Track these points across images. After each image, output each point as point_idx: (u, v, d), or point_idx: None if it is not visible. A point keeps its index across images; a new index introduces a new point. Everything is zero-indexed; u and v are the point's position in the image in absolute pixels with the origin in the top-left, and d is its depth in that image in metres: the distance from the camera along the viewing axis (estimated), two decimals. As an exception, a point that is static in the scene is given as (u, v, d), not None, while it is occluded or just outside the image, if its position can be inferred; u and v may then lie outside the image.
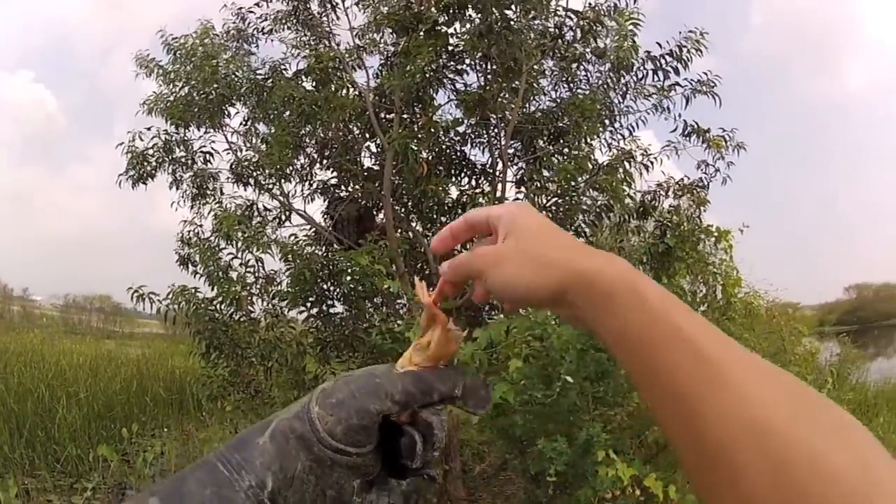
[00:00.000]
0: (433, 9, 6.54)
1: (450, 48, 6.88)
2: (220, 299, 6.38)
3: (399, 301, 7.28)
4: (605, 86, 7.00)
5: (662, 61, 6.65)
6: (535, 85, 7.31)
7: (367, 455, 0.72)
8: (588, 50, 6.73)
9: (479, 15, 6.42)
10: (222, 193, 7.66)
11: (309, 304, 6.63)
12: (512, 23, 6.37)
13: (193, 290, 6.52)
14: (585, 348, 4.73)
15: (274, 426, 0.71)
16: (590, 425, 4.58)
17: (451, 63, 7.01)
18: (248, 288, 6.46)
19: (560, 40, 6.72)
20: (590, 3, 6.65)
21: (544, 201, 6.80)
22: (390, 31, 7.28)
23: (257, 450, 0.69)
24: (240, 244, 6.44)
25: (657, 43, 6.67)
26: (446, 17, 6.68)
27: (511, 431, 5.01)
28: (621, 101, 7.11)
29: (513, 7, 6.27)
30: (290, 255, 6.44)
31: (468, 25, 6.61)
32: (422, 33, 6.45)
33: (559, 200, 6.62)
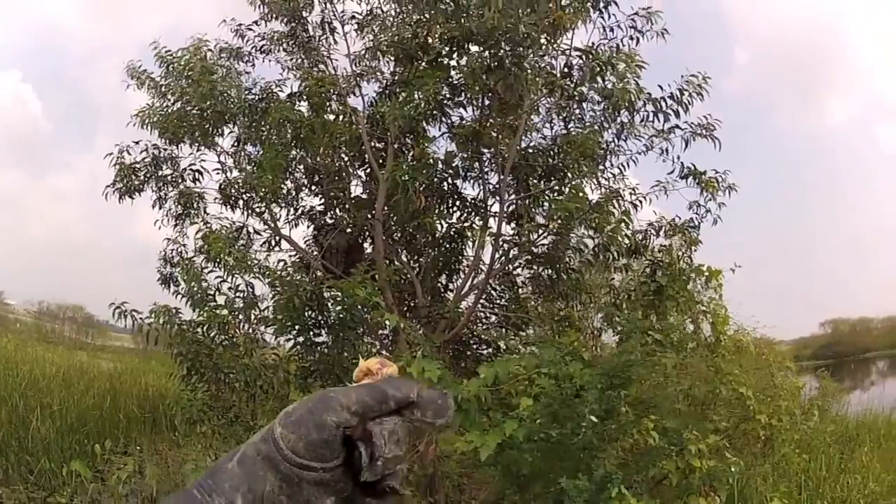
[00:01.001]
0: (437, 40, 6.52)
1: (450, 81, 6.86)
2: (205, 324, 6.24)
3: (382, 332, 7.23)
4: (601, 125, 7.00)
5: (663, 103, 6.65)
6: (529, 122, 7.30)
7: (334, 470, 0.74)
8: (594, 89, 6.71)
9: (486, 50, 6.41)
10: (207, 213, 7.54)
11: (295, 332, 6.53)
12: (523, 59, 6.34)
13: (175, 311, 6.39)
14: (604, 387, 4.76)
15: (242, 451, 0.74)
16: (605, 463, 4.61)
17: (451, 96, 6.98)
18: (234, 312, 6.33)
19: (568, 78, 6.71)
20: (593, 44, 6.65)
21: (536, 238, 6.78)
22: (390, 59, 7.26)
23: (226, 474, 0.72)
24: (229, 267, 6.32)
25: (658, 86, 6.70)
26: (448, 50, 6.66)
27: (514, 468, 4.99)
28: (615, 140, 7.11)
29: (523, 45, 6.24)
30: (277, 282, 6.34)
31: (473, 59, 6.59)
32: (423, 64, 6.43)
33: (555, 238, 6.57)
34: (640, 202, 7.04)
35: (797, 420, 7.51)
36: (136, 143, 7.40)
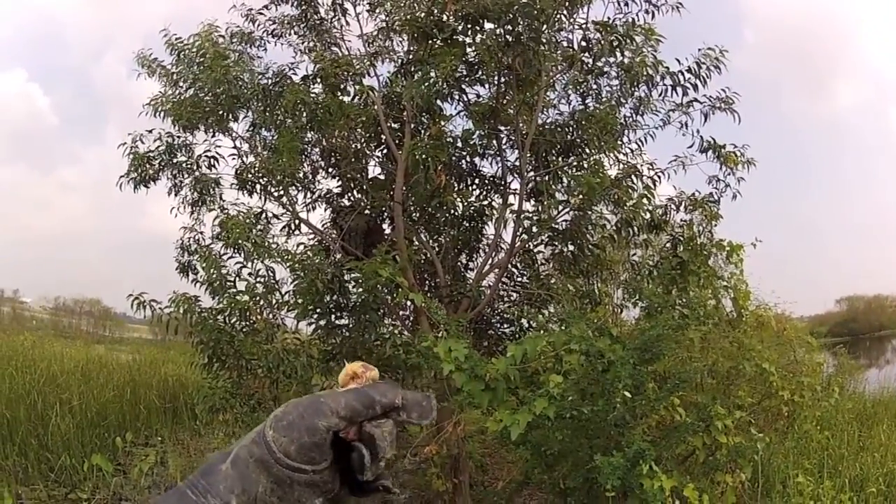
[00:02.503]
0: (452, 17, 6.45)
1: (466, 58, 6.78)
2: (226, 310, 6.21)
3: (403, 312, 7.20)
4: (619, 100, 6.93)
5: (681, 77, 6.57)
6: (546, 98, 7.22)
7: (324, 472, 0.79)
8: (614, 63, 6.63)
9: (503, 26, 6.33)
10: (223, 200, 7.49)
11: (316, 316, 6.50)
12: (540, 34, 6.27)
13: (195, 299, 6.36)
14: (635, 362, 4.72)
15: (235, 453, 0.79)
16: (638, 440, 4.57)
17: (467, 74, 6.91)
18: (255, 298, 6.30)
19: (587, 52, 6.64)
20: (609, 18, 6.57)
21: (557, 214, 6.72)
22: (404, 38, 7.20)
23: (220, 475, 0.76)
24: (248, 252, 6.29)
25: (676, 59, 6.64)
26: (463, 27, 6.59)
27: (543, 447, 4.96)
28: (633, 115, 7.06)
29: (539, 19, 6.16)
30: (297, 266, 6.30)
31: (490, 36, 6.50)
32: (439, 42, 6.36)
33: (577, 214, 6.51)
34: (659, 177, 6.96)
35: (818, 397, 7.44)
36: (150, 131, 7.34)
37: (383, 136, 7.02)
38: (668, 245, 7.25)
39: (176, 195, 7.48)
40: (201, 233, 7.45)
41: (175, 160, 7.39)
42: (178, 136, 7.39)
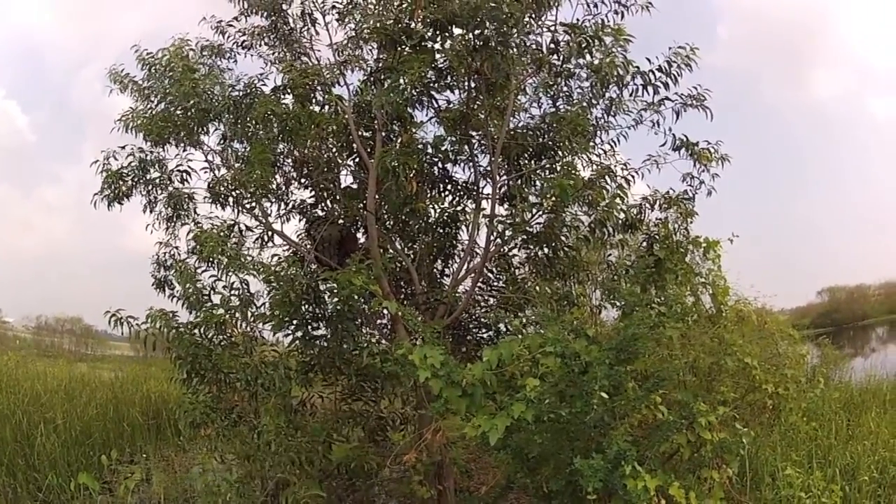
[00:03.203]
0: (420, 24, 6.45)
1: (435, 65, 6.81)
2: (202, 324, 6.18)
3: (380, 321, 7.19)
4: (590, 101, 6.94)
5: (652, 76, 6.60)
6: (516, 102, 7.24)
7: None
8: (584, 65, 6.64)
9: (471, 31, 6.36)
10: (197, 214, 7.43)
11: (293, 327, 6.48)
12: (508, 38, 6.29)
13: (171, 314, 6.32)
14: (612, 363, 4.72)
15: None
16: (618, 440, 4.57)
17: (437, 80, 6.93)
18: (231, 311, 6.26)
19: (556, 55, 6.66)
20: (578, 20, 6.61)
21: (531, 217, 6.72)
22: (374, 46, 7.20)
23: None
24: (222, 266, 6.26)
25: (647, 59, 6.64)
26: (432, 33, 6.60)
27: (524, 451, 4.94)
28: (605, 116, 7.06)
29: (507, 23, 6.18)
30: (272, 278, 6.27)
31: (458, 41, 6.51)
32: (407, 49, 6.36)
33: (550, 216, 6.52)
34: (633, 177, 6.98)
35: (803, 388, 7.47)
36: (122, 147, 7.27)
37: (355, 145, 7.00)
38: (644, 244, 7.27)
39: (151, 211, 7.43)
40: (177, 248, 7.39)
41: (148, 176, 7.32)
42: (150, 152, 7.34)
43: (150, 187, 7.34)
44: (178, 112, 7.10)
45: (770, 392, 6.66)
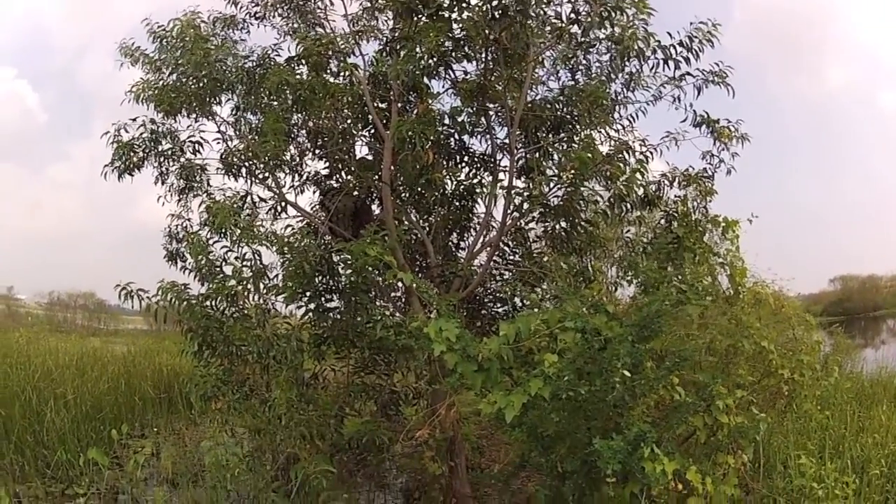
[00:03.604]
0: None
1: (452, 35, 6.65)
2: (213, 296, 6.11)
3: (394, 293, 7.11)
4: (609, 75, 6.81)
5: (673, 50, 6.46)
6: (534, 74, 7.09)
7: None
8: (604, 36, 6.50)
9: (488, 1, 6.22)
10: (210, 185, 7.42)
11: (306, 299, 6.41)
12: (527, 7, 6.16)
13: (183, 287, 6.26)
14: (634, 340, 4.62)
15: None
16: (637, 421, 4.48)
17: (454, 49, 6.77)
18: (243, 283, 6.19)
19: (576, 24, 6.51)
20: None
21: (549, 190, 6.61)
22: (389, 16, 7.09)
23: None
24: (235, 237, 6.18)
25: (668, 33, 6.51)
26: (449, 2, 6.47)
27: (540, 429, 4.86)
28: (624, 90, 6.95)
29: None
30: (285, 249, 6.19)
31: (475, 10, 6.38)
32: (424, 18, 6.23)
33: (570, 189, 6.40)
34: (651, 153, 6.85)
35: (818, 376, 7.36)
36: (133, 119, 7.24)
37: (370, 116, 6.89)
38: (662, 221, 7.17)
39: (163, 183, 7.41)
40: (189, 219, 7.40)
41: (160, 147, 7.29)
42: (162, 123, 7.30)
43: (161, 158, 7.33)
44: (191, 82, 7.03)
45: (786, 377, 6.56)
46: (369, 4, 7.30)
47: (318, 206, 7.52)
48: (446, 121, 7.07)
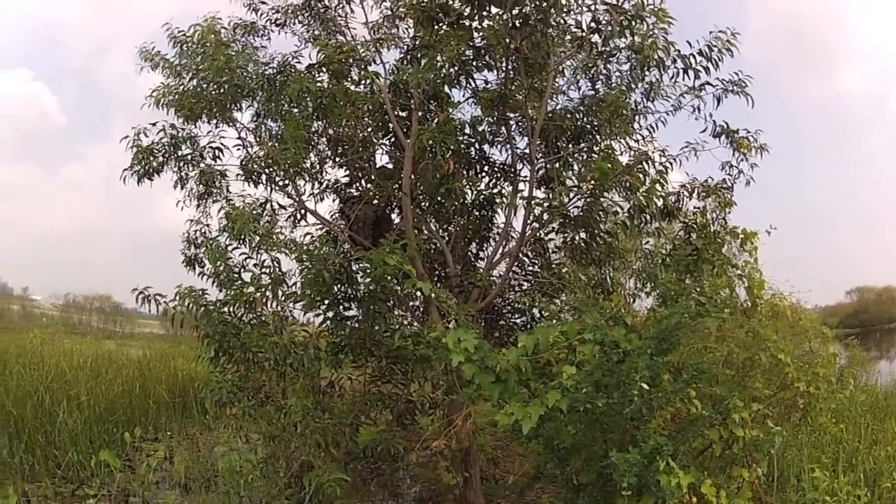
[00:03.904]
0: (458, 1, 6.33)
1: (473, 43, 6.68)
2: (232, 302, 6.13)
3: (412, 303, 7.11)
4: (629, 85, 6.80)
5: (692, 60, 6.44)
6: (555, 84, 7.08)
7: None
8: (624, 45, 6.49)
9: (510, 10, 6.21)
10: (229, 191, 7.44)
11: (324, 307, 6.42)
12: (548, 16, 6.17)
13: (201, 292, 6.28)
14: (652, 353, 4.60)
15: None
16: (654, 434, 4.45)
17: (475, 58, 6.80)
18: (261, 290, 6.21)
19: (597, 34, 6.51)
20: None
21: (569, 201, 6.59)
22: (410, 24, 7.10)
23: None
24: (254, 244, 6.20)
25: (687, 42, 6.49)
26: (470, 11, 6.48)
27: (556, 441, 4.83)
28: (644, 100, 6.95)
29: (547, 1, 6.07)
30: (304, 256, 6.20)
31: (496, 19, 6.39)
32: (445, 26, 6.24)
33: (590, 200, 6.38)
34: (671, 164, 6.80)
35: (834, 389, 7.30)
36: (153, 124, 7.25)
37: (391, 125, 6.90)
38: (681, 233, 7.14)
39: (182, 188, 7.43)
40: (207, 225, 7.41)
41: (179, 152, 7.31)
42: (182, 129, 7.32)
43: (181, 164, 7.34)
44: (211, 88, 7.03)
45: (801, 390, 6.51)
46: (390, 13, 7.32)
47: (337, 214, 7.52)
48: (467, 130, 7.07)
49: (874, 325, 40.36)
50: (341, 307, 6.59)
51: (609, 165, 6.12)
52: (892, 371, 15.83)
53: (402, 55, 7.26)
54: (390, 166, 7.41)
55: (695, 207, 7.09)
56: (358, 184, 7.58)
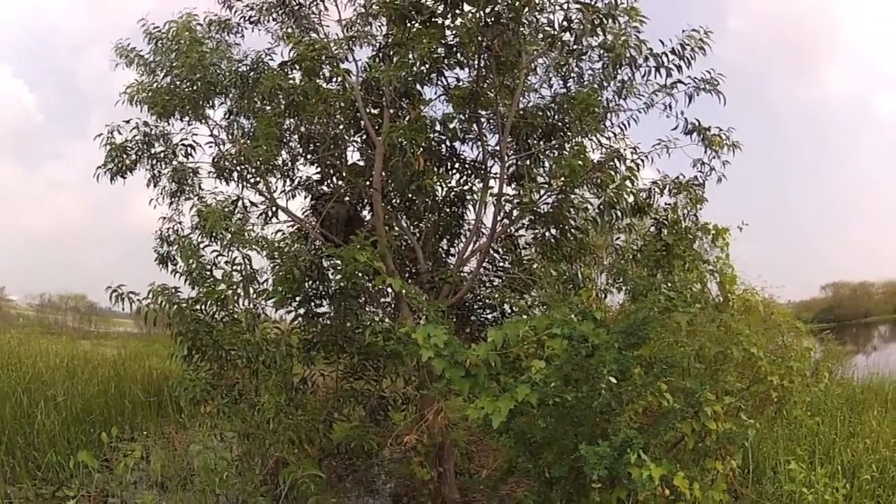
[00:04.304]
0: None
1: (445, 41, 6.71)
2: (203, 299, 6.12)
3: (384, 299, 7.13)
4: (601, 83, 6.84)
5: (665, 59, 6.50)
6: (526, 82, 7.12)
7: None
8: (596, 44, 6.54)
9: (482, 8, 6.25)
10: (202, 189, 7.43)
11: (295, 304, 6.42)
12: (520, 14, 6.21)
13: (174, 290, 6.26)
14: (620, 347, 4.63)
15: None
16: (624, 427, 4.48)
17: (446, 56, 6.84)
18: (233, 287, 6.20)
19: (569, 32, 6.54)
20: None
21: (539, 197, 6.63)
22: (383, 22, 7.12)
23: None
24: (225, 241, 6.19)
25: (660, 41, 6.53)
26: (443, 9, 6.51)
27: (527, 435, 4.86)
28: (616, 98, 6.97)
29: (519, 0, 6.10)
30: (276, 253, 6.20)
31: (469, 17, 6.40)
32: (417, 24, 6.25)
33: (561, 196, 6.42)
34: (643, 161, 6.86)
35: (808, 382, 7.38)
36: (127, 122, 7.26)
37: (362, 122, 6.92)
38: (652, 229, 7.19)
39: (155, 186, 7.42)
40: (180, 223, 7.41)
41: (153, 150, 7.32)
42: (156, 126, 7.32)
43: (154, 161, 7.34)
44: (184, 85, 7.04)
45: (775, 384, 6.58)
46: (363, 10, 7.34)
47: (309, 212, 7.54)
48: (438, 127, 7.11)
49: (850, 320, 40.87)
50: (313, 304, 6.61)
51: (579, 162, 6.15)
52: (869, 365, 15.99)
53: (374, 53, 7.28)
54: (362, 163, 7.44)
55: (666, 204, 7.13)
56: (329, 181, 7.59)
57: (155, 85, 7.20)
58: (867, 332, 39.35)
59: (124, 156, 7.19)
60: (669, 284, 6.16)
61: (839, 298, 46.26)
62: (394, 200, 7.27)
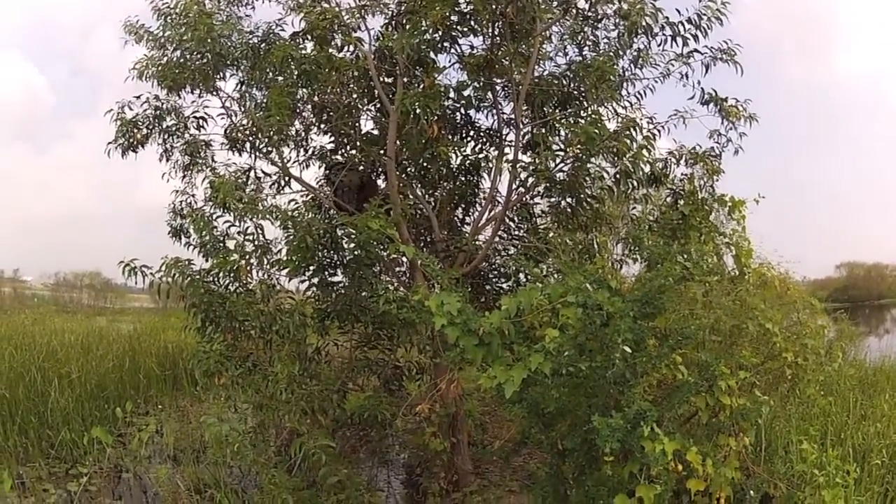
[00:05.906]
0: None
1: (458, 8, 6.62)
2: (216, 270, 6.10)
3: (399, 268, 7.11)
4: (617, 52, 6.74)
5: (681, 27, 6.40)
6: (541, 49, 7.04)
7: None
8: (612, 11, 6.45)
9: None
10: (214, 161, 7.43)
11: (309, 273, 6.40)
12: None
13: (187, 262, 6.25)
14: (636, 316, 4.57)
15: None
16: (638, 399, 4.42)
17: (460, 23, 6.75)
18: (246, 257, 6.18)
19: None
20: None
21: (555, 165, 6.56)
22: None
23: None
24: (238, 211, 6.17)
25: (676, 9, 6.44)
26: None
27: (540, 405, 4.81)
28: (632, 67, 6.89)
29: None
30: (289, 223, 6.17)
31: None
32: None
33: (577, 164, 6.35)
34: (659, 131, 6.78)
35: (822, 361, 7.29)
36: (137, 97, 7.26)
37: (375, 91, 6.85)
38: (668, 199, 7.14)
39: (167, 160, 7.41)
40: (193, 195, 7.42)
41: (164, 124, 7.30)
42: (166, 100, 7.30)
43: (165, 135, 7.33)
44: (195, 58, 6.99)
45: (789, 361, 6.51)
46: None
47: (322, 181, 7.52)
48: (452, 95, 7.04)
49: (863, 301, 40.65)
50: (326, 273, 6.57)
51: (596, 130, 6.07)
52: (882, 347, 15.86)
53: (386, 21, 7.18)
54: (375, 132, 7.40)
55: (682, 174, 7.09)
56: (343, 150, 7.55)
57: (165, 59, 7.14)
58: (880, 314, 39.12)
59: (135, 130, 7.17)
60: (685, 254, 6.10)
61: (853, 279, 45.99)
62: (408, 169, 7.22)
